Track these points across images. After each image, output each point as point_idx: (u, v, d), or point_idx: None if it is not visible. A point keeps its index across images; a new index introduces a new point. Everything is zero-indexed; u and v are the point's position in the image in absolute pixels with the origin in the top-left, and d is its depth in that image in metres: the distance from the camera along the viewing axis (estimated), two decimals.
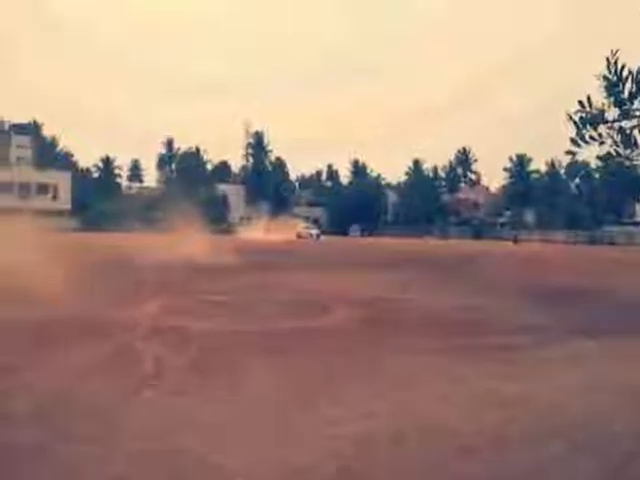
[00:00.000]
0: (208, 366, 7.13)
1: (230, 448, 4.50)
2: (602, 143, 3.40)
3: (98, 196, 72.37)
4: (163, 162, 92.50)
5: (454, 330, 9.94)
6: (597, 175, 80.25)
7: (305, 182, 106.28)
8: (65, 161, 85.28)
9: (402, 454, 4.50)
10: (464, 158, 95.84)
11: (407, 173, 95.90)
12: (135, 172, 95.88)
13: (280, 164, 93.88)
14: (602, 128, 3.44)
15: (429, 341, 8.86)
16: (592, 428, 5.06)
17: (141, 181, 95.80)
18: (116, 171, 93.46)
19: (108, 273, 16.33)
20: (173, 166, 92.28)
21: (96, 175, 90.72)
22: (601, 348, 8.58)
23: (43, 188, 71.73)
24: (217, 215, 67.08)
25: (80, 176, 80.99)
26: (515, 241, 60.45)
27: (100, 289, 12.93)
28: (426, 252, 34.78)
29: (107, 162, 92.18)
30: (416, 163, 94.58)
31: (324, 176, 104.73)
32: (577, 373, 7.00)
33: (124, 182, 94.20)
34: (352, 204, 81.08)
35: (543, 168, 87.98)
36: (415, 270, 21.14)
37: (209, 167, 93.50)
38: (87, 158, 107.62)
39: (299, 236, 62.97)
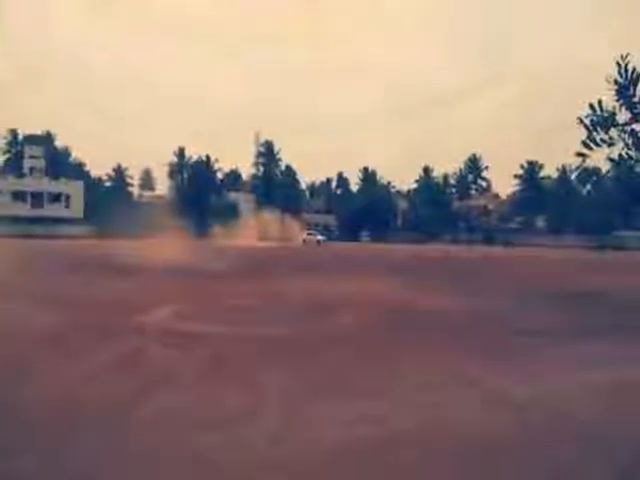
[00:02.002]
0: None
1: None
2: (612, 145, 3.50)
3: (110, 204, 73.15)
4: (174, 171, 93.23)
5: None
6: (608, 180, 79.76)
7: (315, 190, 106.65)
8: (77, 171, 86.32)
9: None
10: (474, 165, 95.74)
11: (417, 180, 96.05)
12: (147, 181, 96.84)
13: (290, 172, 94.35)
14: (613, 131, 3.52)
15: None
16: None
17: (153, 190, 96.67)
18: (128, 180, 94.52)
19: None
20: (184, 175, 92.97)
21: (108, 184, 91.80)
22: None
23: (56, 197, 72.75)
24: (227, 223, 67.66)
25: (92, 185, 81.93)
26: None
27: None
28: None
29: (119, 171, 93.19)
30: (426, 170, 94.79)
31: (334, 184, 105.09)
32: None
33: (136, 191, 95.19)
34: (362, 211, 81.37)
35: (555, 174, 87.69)
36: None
37: (220, 176, 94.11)
38: (100, 168, 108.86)
39: (305, 242, 64.55)
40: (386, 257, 37.11)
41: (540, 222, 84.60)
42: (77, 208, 73.21)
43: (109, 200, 76.39)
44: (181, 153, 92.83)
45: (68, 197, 73.83)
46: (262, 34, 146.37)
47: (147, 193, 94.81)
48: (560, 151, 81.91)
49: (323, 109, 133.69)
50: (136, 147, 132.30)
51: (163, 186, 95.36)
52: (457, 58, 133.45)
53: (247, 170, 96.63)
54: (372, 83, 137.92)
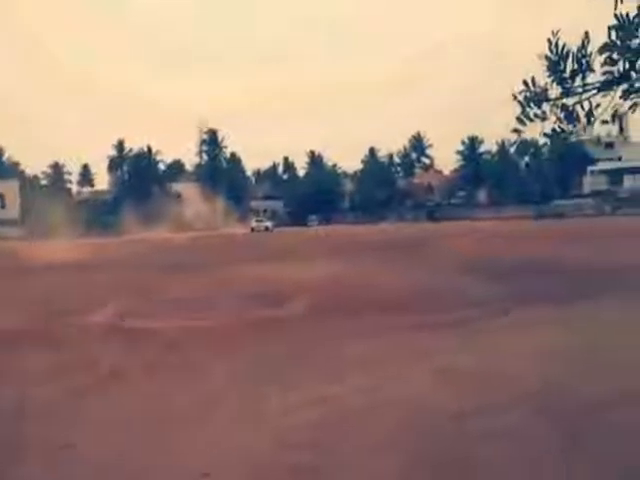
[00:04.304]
0: None
1: None
2: (545, 119, 3.52)
3: (47, 203, 70.32)
4: (114, 165, 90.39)
5: None
6: (545, 152, 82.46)
7: (261, 176, 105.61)
8: (11, 170, 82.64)
9: None
10: (418, 143, 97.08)
11: (363, 161, 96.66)
12: (85, 177, 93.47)
13: (235, 160, 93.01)
14: (545, 106, 3.55)
15: None
16: None
17: (92, 185, 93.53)
18: (66, 177, 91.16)
19: None
20: (125, 168, 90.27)
21: (45, 182, 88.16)
22: None
23: None
24: (172, 214, 66.27)
25: (28, 184, 78.53)
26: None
27: None
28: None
29: (56, 168, 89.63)
30: (371, 151, 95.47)
31: (280, 169, 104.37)
32: None
33: (74, 187, 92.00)
34: (309, 195, 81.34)
35: (494, 149, 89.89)
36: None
37: (162, 167, 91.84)
38: (36, 166, 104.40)
39: (253, 229, 63.92)
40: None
41: (482, 196, 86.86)
42: (12, 208, 70.06)
43: (46, 199, 73.42)
44: (120, 146, 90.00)
45: (2, 197, 70.62)
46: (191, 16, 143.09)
47: (86, 189, 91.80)
48: (499, 126, 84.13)
49: (263, 93, 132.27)
50: (73, 143, 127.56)
51: (103, 181, 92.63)
52: (396, 30, 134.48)
53: (191, 160, 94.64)
54: (314, 64, 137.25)
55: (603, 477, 4.02)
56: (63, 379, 6.61)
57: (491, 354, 7.21)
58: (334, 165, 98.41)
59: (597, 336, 7.94)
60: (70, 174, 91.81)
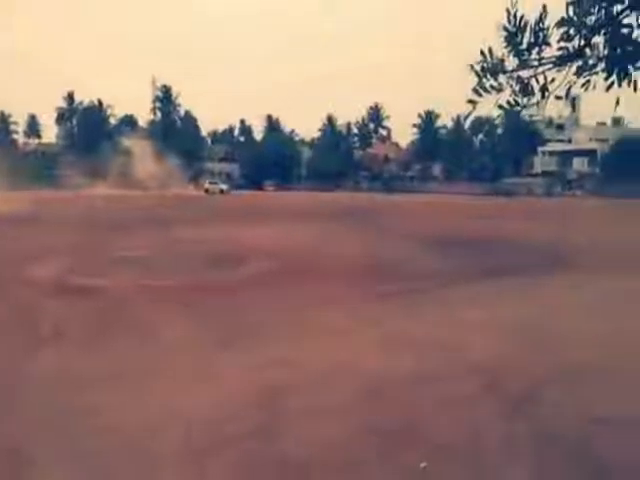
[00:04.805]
0: None
1: None
2: (500, 91, 3.50)
3: None
4: (63, 117, 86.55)
5: None
6: (499, 129, 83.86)
7: (218, 137, 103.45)
8: None
9: None
10: (376, 115, 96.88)
11: (320, 129, 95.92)
12: (33, 128, 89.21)
13: (190, 119, 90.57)
14: (502, 78, 3.53)
15: None
16: None
17: (39, 137, 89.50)
18: (12, 127, 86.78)
19: None
20: (74, 121, 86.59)
21: None
22: None
23: None
24: (121, 171, 64.21)
25: None
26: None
27: None
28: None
29: (2, 118, 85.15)
30: (329, 119, 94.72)
31: (237, 132, 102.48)
32: None
33: (21, 139, 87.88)
34: (266, 159, 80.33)
35: (450, 124, 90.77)
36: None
37: (113, 121, 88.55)
38: None
39: (207, 191, 62.42)
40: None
41: (436, 170, 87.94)
42: None
43: None
44: (70, 98, 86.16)
45: None
46: None
47: (33, 141, 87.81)
48: (455, 100, 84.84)
49: (225, 52, 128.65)
50: (21, 92, 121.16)
51: (51, 133, 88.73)
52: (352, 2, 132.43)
53: (145, 117, 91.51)
54: (276, 28, 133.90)
55: None
56: None
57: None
58: (292, 131, 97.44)
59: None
60: (16, 124, 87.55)
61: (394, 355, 5.98)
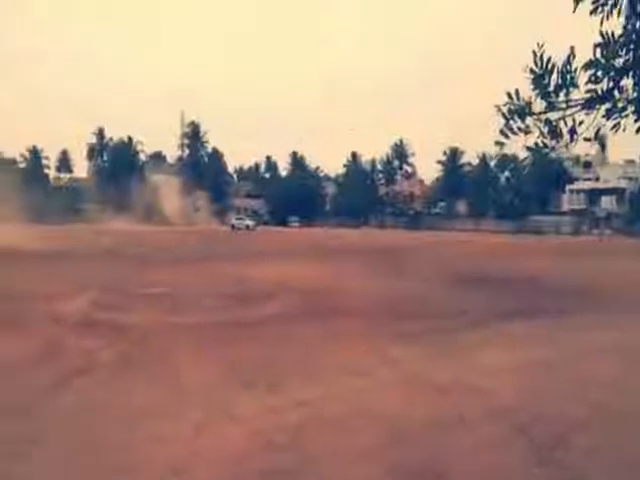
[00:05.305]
0: None
1: None
2: (528, 133, 3.46)
3: (23, 187, 69.06)
4: (94, 152, 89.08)
5: None
6: (525, 167, 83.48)
7: (243, 174, 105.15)
8: None
9: None
10: (400, 151, 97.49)
11: (345, 165, 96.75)
12: (64, 163, 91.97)
13: (217, 155, 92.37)
14: (529, 120, 3.49)
15: None
16: None
17: (70, 172, 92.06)
18: (44, 162, 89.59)
19: None
20: (104, 156, 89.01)
21: (22, 166, 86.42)
22: None
23: None
24: (148, 206, 65.52)
25: (5, 166, 76.84)
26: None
27: None
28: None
29: (34, 152, 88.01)
30: (354, 156, 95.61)
31: (263, 168, 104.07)
32: None
33: (52, 173, 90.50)
34: (291, 195, 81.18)
35: (475, 161, 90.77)
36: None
37: (142, 157, 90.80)
38: (13, 149, 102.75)
39: (233, 227, 62.83)
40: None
41: (462, 207, 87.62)
42: None
43: (22, 182, 71.98)
44: (101, 134, 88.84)
45: None
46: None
47: (64, 175, 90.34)
48: (481, 138, 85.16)
49: (253, 90, 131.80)
50: (53, 128, 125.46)
51: (82, 168, 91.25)
52: (380, 43, 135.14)
53: (173, 153, 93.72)
54: (304, 70, 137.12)
55: None
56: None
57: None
58: (317, 168, 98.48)
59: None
60: (48, 159, 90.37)
61: (415, 397, 5.82)
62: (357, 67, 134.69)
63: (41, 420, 4.97)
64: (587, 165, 77.41)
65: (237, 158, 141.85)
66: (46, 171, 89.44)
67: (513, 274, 17.69)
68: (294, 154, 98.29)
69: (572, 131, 3.47)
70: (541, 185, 76.52)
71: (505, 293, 13.59)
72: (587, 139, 3.50)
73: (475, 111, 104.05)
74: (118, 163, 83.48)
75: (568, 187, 77.54)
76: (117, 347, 7.68)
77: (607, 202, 72.74)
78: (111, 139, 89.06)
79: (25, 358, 7.06)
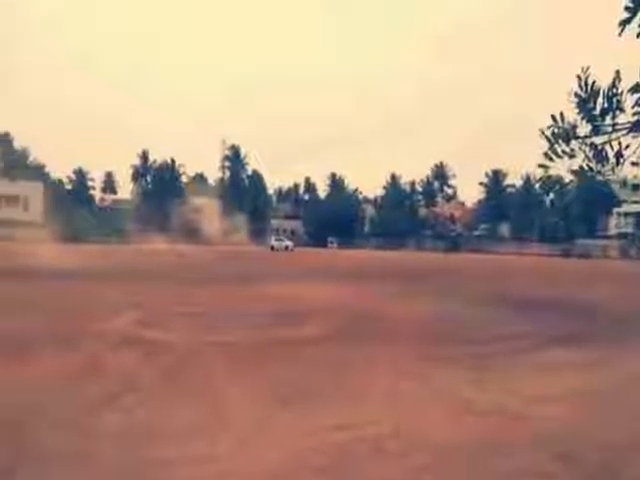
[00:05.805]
0: None
1: None
2: (573, 157, 3.41)
3: (70, 207, 71.56)
4: (138, 174, 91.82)
5: None
6: (570, 190, 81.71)
7: (282, 195, 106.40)
8: (37, 172, 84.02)
9: None
10: (440, 173, 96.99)
11: (384, 187, 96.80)
12: (109, 184, 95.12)
13: (257, 177, 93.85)
14: (574, 143, 3.44)
15: None
16: None
17: (115, 193, 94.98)
18: (89, 183, 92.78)
19: None
20: (148, 179, 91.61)
21: (69, 187, 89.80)
22: None
23: (13, 199, 70.66)
24: (190, 227, 66.90)
25: (52, 188, 79.90)
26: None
27: None
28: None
29: (80, 174, 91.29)
30: (393, 177, 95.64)
31: (301, 189, 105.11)
32: None
33: (97, 194, 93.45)
34: (329, 217, 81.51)
35: (519, 183, 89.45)
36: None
37: (185, 179, 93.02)
38: (60, 170, 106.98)
39: (272, 248, 63.68)
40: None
41: (504, 230, 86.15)
42: (35, 211, 71.12)
43: (69, 203, 74.61)
44: (144, 156, 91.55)
45: (26, 199, 71.74)
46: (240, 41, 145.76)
47: (109, 197, 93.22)
48: (524, 160, 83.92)
49: (291, 113, 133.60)
50: (99, 150, 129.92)
51: (126, 190, 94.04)
52: (418, 63, 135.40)
53: (214, 174, 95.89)
54: (342, 94, 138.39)
55: None
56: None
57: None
58: (355, 189, 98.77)
59: None
60: (93, 180, 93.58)
61: (456, 422, 5.68)
62: (386, 90, 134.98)
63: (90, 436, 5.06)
64: (635, 187, 75.18)
65: (277, 178, 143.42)
66: (91, 192, 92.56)
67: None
68: (333, 175, 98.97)
69: (618, 154, 3.40)
70: (587, 207, 74.66)
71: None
72: (635, 163, 3.43)
73: (518, 129, 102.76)
74: (161, 185, 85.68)
75: (615, 210, 75.37)
76: (162, 363, 7.78)
77: None
78: (155, 161, 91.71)
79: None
